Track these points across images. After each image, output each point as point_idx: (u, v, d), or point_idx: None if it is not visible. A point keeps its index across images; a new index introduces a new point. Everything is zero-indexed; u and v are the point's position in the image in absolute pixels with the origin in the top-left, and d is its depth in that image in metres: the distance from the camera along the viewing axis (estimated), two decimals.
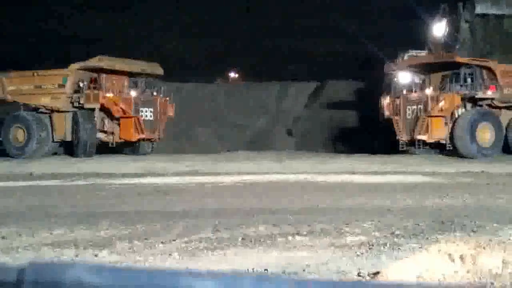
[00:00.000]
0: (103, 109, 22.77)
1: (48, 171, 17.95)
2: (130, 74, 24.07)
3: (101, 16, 52.98)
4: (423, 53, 23.81)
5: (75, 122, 22.50)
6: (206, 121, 33.01)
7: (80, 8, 54.96)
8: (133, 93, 23.33)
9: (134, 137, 23.04)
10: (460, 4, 24.16)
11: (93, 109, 22.67)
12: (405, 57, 23.60)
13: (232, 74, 47.33)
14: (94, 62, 22.78)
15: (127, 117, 22.71)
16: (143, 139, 23.53)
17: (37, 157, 22.19)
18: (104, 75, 23.20)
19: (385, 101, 24.17)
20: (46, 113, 23.35)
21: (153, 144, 24.38)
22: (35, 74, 23.38)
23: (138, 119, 22.80)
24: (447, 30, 23.61)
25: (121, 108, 22.55)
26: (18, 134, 23.06)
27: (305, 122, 33.19)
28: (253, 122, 34.45)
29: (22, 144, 22.96)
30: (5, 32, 48.69)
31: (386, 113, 22.96)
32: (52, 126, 23.28)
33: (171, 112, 24.44)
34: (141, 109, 23.22)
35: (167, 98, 24.53)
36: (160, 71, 24.77)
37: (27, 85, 23.42)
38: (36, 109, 23.46)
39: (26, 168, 18.47)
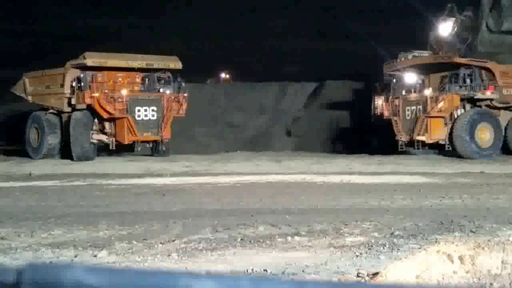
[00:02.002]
0: (91, 109, 21.25)
1: (46, 171, 17.94)
2: (141, 70, 22.49)
3: (100, 16, 53.00)
4: (427, 53, 23.66)
5: (68, 124, 21.50)
6: (205, 121, 33.00)
7: (80, 9, 54.98)
8: (124, 92, 21.45)
9: (127, 139, 21.37)
10: (484, 9, 23.30)
11: (89, 110, 21.35)
12: (410, 57, 23.48)
13: (223, 75, 47.01)
14: (80, 60, 21.37)
15: (119, 118, 21.23)
16: (140, 141, 21.91)
17: (50, 159, 21.64)
18: (105, 72, 21.82)
19: (379, 101, 24.25)
20: (56, 114, 22.59)
21: (158, 144, 22.36)
22: (44, 74, 22.82)
23: (128, 119, 21.15)
24: (454, 30, 23.47)
25: (104, 108, 20.93)
26: (35, 134, 22.59)
27: (304, 122, 33.19)
28: (252, 123, 34.45)
29: (37, 145, 22.42)
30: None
31: (385, 113, 22.97)
32: (61, 127, 22.40)
33: (181, 111, 22.33)
34: (138, 108, 21.52)
35: (183, 95, 22.38)
36: (176, 65, 22.53)
37: (40, 86, 22.92)
38: (47, 109, 22.74)
39: (25, 169, 18.45)
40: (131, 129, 21.20)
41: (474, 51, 22.98)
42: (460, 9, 23.98)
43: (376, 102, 25.35)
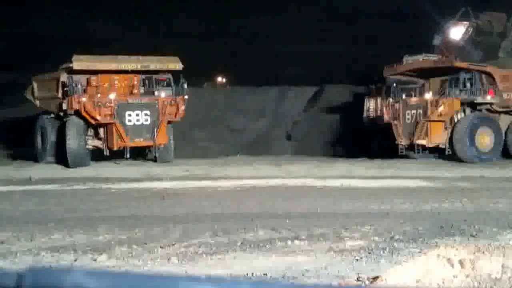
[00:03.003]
0: (79, 114, 20.17)
1: (46, 175, 17.92)
2: (140, 73, 21.38)
3: (100, 19, 53.07)
4: (435, 56, 23.49)
5: (63, 129, 20.61)
6: (204, 125, 33.00)
7: (81, 11, 55.05)
8: (112, 96, 20.33)
9: (116, 145, 20.23)
10: None
11: (77, 115, 20.30)
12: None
13: (220, 79, 46.69)
14: (67, 63, 20.29)
15: (107, 123, 20.21)
16: (129, 147, 20.41)
17: (52, 163, 21.11)
18: (99, 76, 20.86)
19: (371, 103, 24.37)
20: (55, 118, 21.68)
21: (153, 149, 21.11)
22: (45, 77, 22.19)
23: (116, 125, 19.99)
24: (468, 33, 23.38)
25: (89, 113, 19.90)
26: (39, 138, 22.08)
27: (304, 126, 33.18)
28: (252, 126, 34.44)
29: (41, 149, 21.84)
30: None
31: (385, 117, 22.96)
32: (58, 132, 21.33)
33: (177, 115, 21.07)
34: (129, 112, 20.35)
35: (182, 98, 21.08)
36: (176, 66, 21.34)
37: (43, 89, 22.31)
38: (50, 114, 22.00)
39: (25, 173, 18.44)
40: (120, 135, 20.16)
41: (493, 55, 22.92)
42: (476, 12, 23.80)
43: (369, 105, 25.36)
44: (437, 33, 24.26)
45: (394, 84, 23.29)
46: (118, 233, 7.97)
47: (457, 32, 23.60)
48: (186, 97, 21.40)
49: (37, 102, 22.95)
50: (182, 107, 21.16)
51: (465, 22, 23.59)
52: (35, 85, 22.86)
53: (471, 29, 23.51)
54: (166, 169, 19.31)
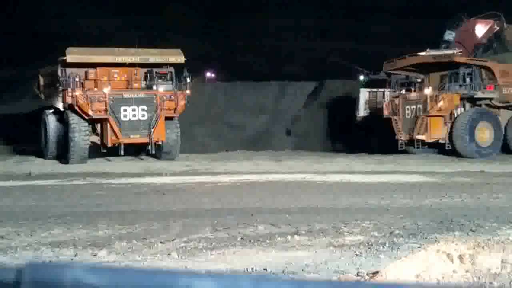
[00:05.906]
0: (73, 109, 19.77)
1: (46, 171, 17.92)
2: (138, 66, 20.80)
3: (101, 15, 52.98)
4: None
5: (63, 124, 20.32)
6: (204, 120, 33.01)
7: (80, 8, 54.95)
8: (106, 90, 19.66)
9: (110, 142, 19.71)
10: None
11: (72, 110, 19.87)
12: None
13: (208, 74, 46.08)
14: (63, 57, 19.82)
15: (102, 119, 19.80)
16: (124, 143, 19.84)
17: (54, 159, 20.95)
18: (98, 69, 20.37)
19: (363, 99, 24.43)
20: (56, 113, 21.25)
21: (160, 145, 20.67)
22: (47, 71, 21.90)
23: (109, 120, 19.53)
24: (492, 32, 23.38)
25: (81, 108, 19.47)
26: (43, 133, 21.72)
27: (303, 122, 33.20)
28: (252, 122, 34.44)
29: (45, 144, 21.44)
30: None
31: (385, 112, 22.96)
32: (59, 127, 20.97)
33: (176, 111, 20.56)
34: (125, 107, 19.70)
35: (183, 93, 20.55)
36: (177, 59, 20.71)
37: (46, 83, 22.06)
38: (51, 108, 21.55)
39: (25, 168, 18.44)
40: (114, 131, 19.62)
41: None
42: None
43: (362, 100, 25.35)
44: (450, 28, 24.15)
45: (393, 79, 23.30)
46: (118, 228, 7.97)
47: (481, 29, 23.60)
48: (188, 92, 20.81)
49: (42, 96, 22.65)
50: (181, 102, 20.57)
51: (491, 21, 23.57)
52: (41, 78, 22.57)
53: (496, 29, 23.50)
54: (166, 164, 19.31)
